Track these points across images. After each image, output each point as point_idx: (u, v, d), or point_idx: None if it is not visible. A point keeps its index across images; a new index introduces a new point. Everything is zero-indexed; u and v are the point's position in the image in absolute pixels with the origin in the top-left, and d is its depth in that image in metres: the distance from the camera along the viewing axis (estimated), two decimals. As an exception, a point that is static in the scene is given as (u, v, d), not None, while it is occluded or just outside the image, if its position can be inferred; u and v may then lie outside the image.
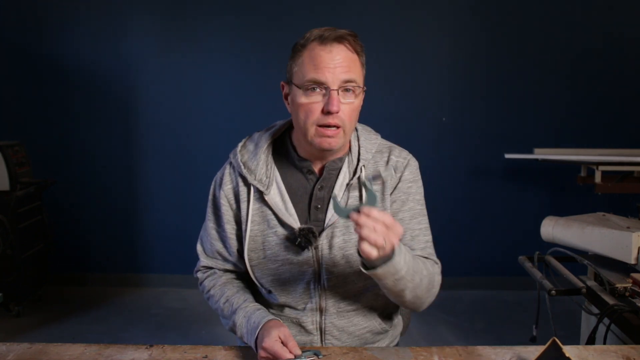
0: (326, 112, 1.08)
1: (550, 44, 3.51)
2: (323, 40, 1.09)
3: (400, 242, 1.19)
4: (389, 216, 0.96)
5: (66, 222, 3.69)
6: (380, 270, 1.02)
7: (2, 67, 3.59)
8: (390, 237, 0.96)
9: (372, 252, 0.95)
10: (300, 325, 1.24)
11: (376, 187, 1.20)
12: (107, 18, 3.53)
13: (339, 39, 1.09)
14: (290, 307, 1.25)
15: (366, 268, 1.04)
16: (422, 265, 1.13)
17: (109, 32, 3.54)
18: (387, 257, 1.01)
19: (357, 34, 1.13)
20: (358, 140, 1.23)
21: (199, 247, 1.32)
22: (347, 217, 0.98)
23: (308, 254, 1.18)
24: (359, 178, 1.18)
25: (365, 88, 1.15)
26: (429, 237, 1.25)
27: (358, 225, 0.95)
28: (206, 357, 1.12)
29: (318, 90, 1.09)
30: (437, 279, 1.20)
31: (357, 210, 0.96)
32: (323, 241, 1.18)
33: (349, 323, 1.24)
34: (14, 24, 3.55)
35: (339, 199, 1.18)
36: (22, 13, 3.55)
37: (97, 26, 3.54)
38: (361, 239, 0.95)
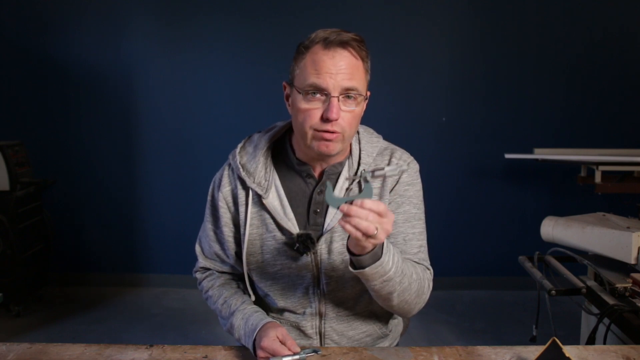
0: (325, 118, 1.05)
1: (549, 44, 3.51)
2: (327, 44, 1.05)
3: (392, 244, 1.19)
4: (383, 204, 0.93)
5: (66, 222, 3.69)
6: (368, 270, 1.00)
7: (3, 67, 3.59)
8: (384, 224, 0.93)
9: (367, 244, 0.94)
10: (299, 329, 1.24)
11: (376, 184, 1.18)
12: (107, 18, 3.53)
13: (344, 44, 1.06)
14: (289, 311, 1.24)
15: (354, 267, 1.02)
16: (412, 269, 1.11)
17: (109, 32, 3.54)
18: (376, 257, 1.00)
19: (363, 38, 1.09)
20: (359, 143, 1.20)
21: (197, 248, 1.32)
22: (337, 207, 0.95)
23: (307, 258, 1.17)
24: (360, 172, 1.14)
25: (368, 94, 1.12)
26: (423, 243, 1.22)
27: (348, 216, 0.91)
28: (206, 357, 1.12)
29: (318, 95, 1.06)
30: (427, 285, 1.16)
31: (350, 202, 0.93)
32: (322, 246, 1.16)
33: (348, 327, 1.24)
34: (14, 24, 3.55)
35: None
36: (23, 13, 3.54)
37: (97, 26, 3.54)
38: (352, 228, 0.91)
